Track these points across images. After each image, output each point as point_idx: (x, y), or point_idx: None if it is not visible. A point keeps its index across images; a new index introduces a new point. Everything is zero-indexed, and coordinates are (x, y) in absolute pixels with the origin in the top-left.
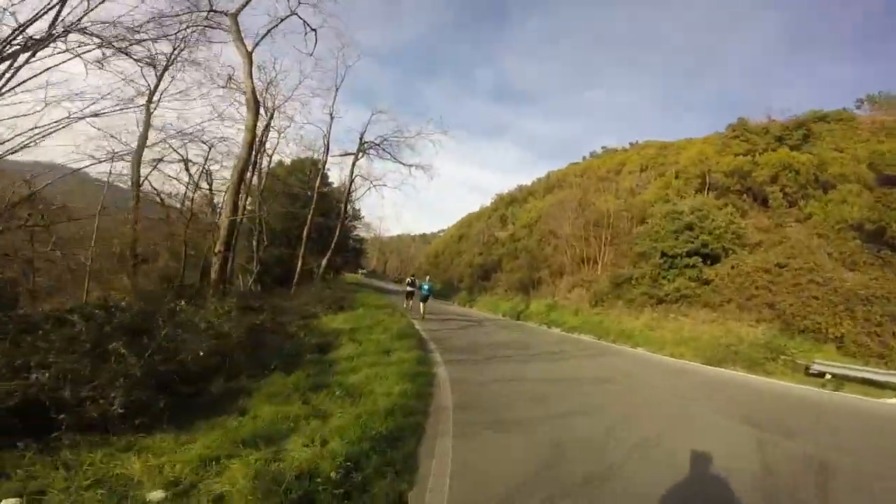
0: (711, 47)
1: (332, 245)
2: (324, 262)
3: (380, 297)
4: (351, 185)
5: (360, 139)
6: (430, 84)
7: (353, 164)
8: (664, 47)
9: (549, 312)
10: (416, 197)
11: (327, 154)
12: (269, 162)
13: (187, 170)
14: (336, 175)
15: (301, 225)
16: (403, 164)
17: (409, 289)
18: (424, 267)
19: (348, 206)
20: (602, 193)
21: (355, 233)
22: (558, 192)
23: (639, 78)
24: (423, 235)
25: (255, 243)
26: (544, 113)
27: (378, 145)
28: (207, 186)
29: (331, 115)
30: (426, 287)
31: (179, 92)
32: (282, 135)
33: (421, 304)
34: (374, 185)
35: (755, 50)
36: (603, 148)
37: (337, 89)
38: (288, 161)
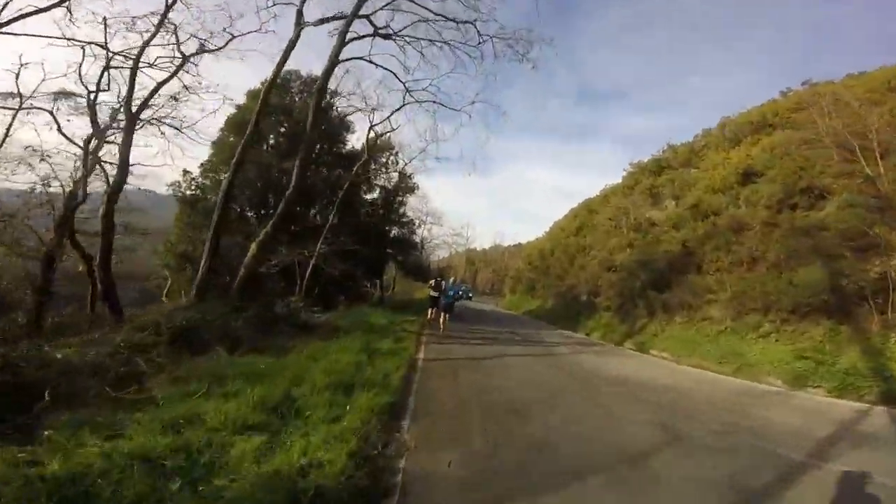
0: None
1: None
2: (253, 246)
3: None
4: (331, 70)
5: None
6: (508, 88)
7: (343, 39)
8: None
9: None
10: (502, 198)
11: (299, 26)
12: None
13: None
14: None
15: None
16: (446, 20)
17: (432, 294)
18: (526, 275)
19: (391, 169)
20: None
21: (403, 211)
22: (761, 137)
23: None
24: (518, 245)
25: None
26: (635, 107)
27: None
28: None
29: None
30: (451, 292)
31: None
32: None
33: (443, 316)
34: (410, 91)
35: None
36: (805, 83)
37: None
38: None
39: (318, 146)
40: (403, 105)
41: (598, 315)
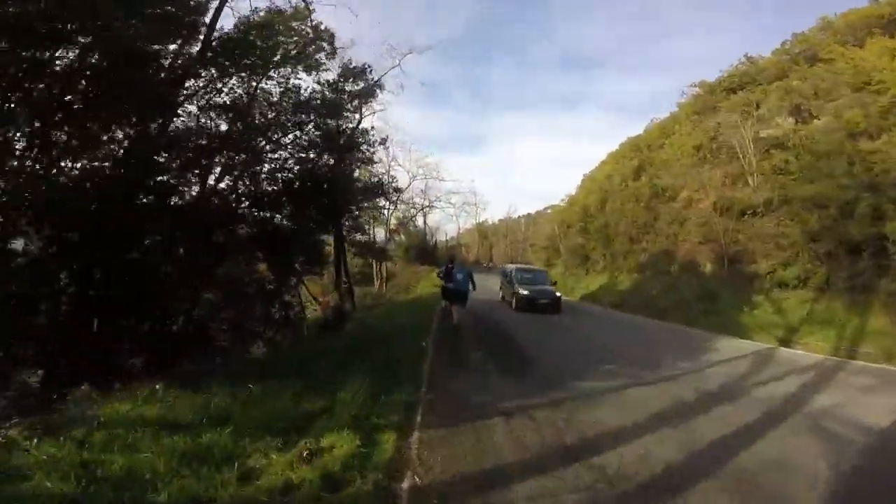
0: None
1: None
2: None
3: None
4: None
5: None
6: (491, 67)
7: None
8: None
9: None
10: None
11: None
12: None
13: None
14: None
15: None
16: None
17: (445, 285)
18: (573, 240)
19: None
20: None
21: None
22: None
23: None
24: (528, 215)
25: None
26: (622, 70)
27: None
28: None
29: None
30: (459, 276)
31: None
32: None
33: (454, 311)
34: None
35: None
36: None
37: None
38: None
39: None
40: None
41: (769, 296)
